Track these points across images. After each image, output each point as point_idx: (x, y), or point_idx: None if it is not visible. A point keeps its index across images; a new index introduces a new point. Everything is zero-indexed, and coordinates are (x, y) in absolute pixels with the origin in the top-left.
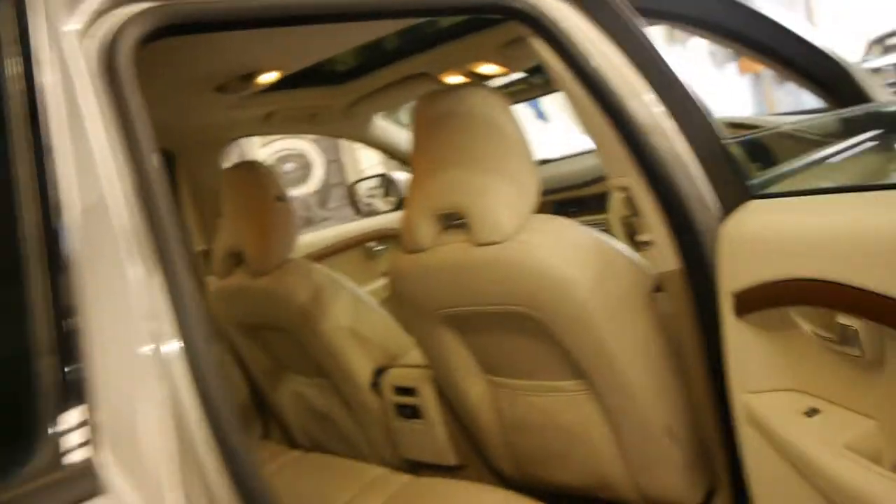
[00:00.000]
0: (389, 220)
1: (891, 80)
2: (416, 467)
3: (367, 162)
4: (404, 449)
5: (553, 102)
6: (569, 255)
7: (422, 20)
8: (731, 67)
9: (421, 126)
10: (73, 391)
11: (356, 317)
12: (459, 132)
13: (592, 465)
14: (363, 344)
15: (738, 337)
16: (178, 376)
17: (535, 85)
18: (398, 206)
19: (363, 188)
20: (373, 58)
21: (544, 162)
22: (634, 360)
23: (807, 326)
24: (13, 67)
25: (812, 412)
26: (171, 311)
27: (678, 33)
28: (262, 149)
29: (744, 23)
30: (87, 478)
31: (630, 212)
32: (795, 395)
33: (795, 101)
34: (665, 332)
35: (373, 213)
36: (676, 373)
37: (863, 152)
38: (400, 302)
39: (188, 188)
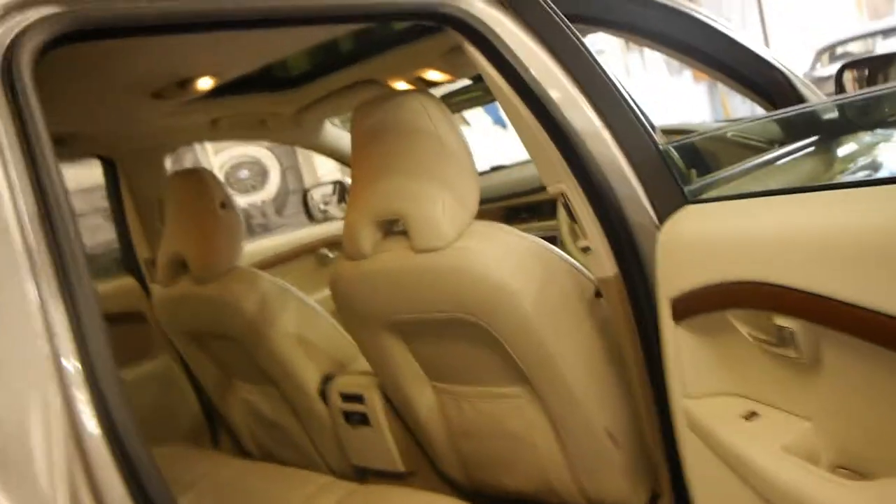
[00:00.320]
0: (342, 226)
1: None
2: (366, 474)
3: (324, 168)
4: (354, 456)
5: None
6: (509, 261)
7: (362, 26)
8: (687, 75)
9: (359, 133)
10: None
11: (303, 324)
12: (397, 139)
13: (538, 470)
14: (310, 351)
15: (677, 342)
16: (77, 395)
17: (487, 91)
18: None
19: (318, 195)
20: (320, 64)
21: (497, 168)
22: (576, 366)
23: (744, 329)
24: None
25: (751, 416)
26: (69, 330)
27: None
28: (216, 156)
29: (684, 30)
30: None
31: (571, 218)
32: (734, 399)
33: (751, 109)
34: (607, 337)
35: (328, 219)
36: (618, 378)
37: (799, 158)
38: (343, 309)
39: (131, 196)
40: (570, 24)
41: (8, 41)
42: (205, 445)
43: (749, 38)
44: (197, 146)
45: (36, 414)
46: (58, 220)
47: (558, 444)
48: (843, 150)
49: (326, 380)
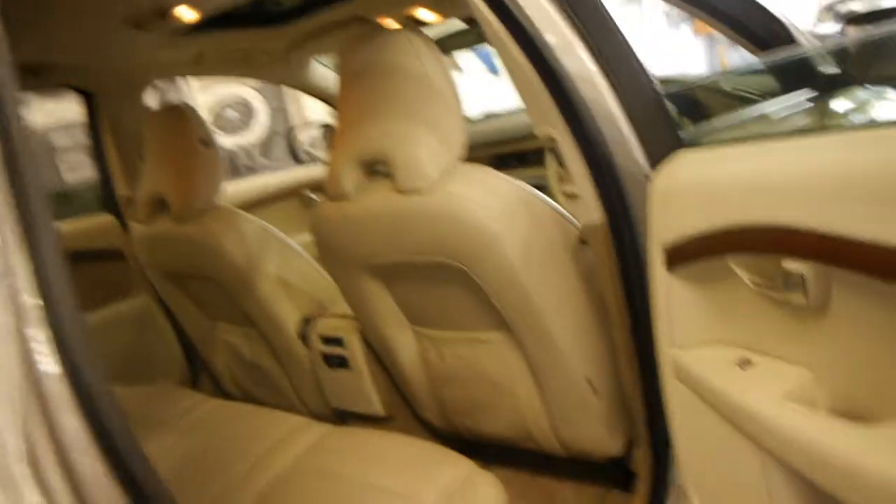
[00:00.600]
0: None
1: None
2: (346, 417)
3: (313, 110)
4: (333, 399)
5: None
6: (494, 206)
7: None
8: (686, 28)
9: (346, 71)
10: None
11: (284, 265)
12: (384, 78)
13: (516, 416)
14: (291, 293)
15: (668, 291)
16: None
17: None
18: None
19: (304, 136)
20: None
21: (489, 116)
22: (558, 313)
23: (746, 275)
24: None
25: (745, 364)
26: (30, 269)
27: None
28: (203, 96)
29: None
30: None
31: (559, 164)
32: (726, 347)
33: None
34: (590, 285)
35: (314, 161)
36: (600, 327)
37: (796, 110)
38: (324, 251)
39: (111, 132)
40: None
41: None
42: (185, 385)
43: None
44: (183, 86)
45: None
46: (20, 157)
47: (537, 390)
48: (845, 98)
49: (307, 322)
